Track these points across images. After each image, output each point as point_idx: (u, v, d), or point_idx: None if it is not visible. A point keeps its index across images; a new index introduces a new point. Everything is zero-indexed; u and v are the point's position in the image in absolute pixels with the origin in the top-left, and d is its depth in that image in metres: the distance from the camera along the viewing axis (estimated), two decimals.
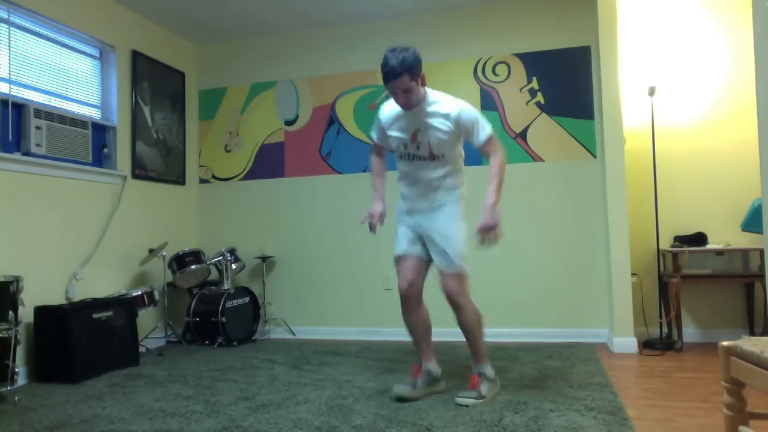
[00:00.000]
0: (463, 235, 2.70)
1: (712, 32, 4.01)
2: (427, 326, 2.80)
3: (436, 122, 2.62)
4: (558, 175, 4.17)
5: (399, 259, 2.76)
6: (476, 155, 4.30)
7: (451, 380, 2.97)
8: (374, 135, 2.89)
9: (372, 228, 2.76)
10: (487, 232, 2.58)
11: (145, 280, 4.30)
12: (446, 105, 2.63)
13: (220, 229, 4.88)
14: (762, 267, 3.72)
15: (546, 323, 4.13)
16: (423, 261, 2.75)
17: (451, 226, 2.68)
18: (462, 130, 2.64)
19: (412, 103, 2.60)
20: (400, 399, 2.63)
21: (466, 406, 2.54)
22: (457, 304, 2.67)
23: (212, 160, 4.94)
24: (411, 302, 2.73)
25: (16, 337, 2.77)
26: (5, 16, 3.30)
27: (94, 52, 4.03)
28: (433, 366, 2.77)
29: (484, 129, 2.63)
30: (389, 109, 2.77)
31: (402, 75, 2.48)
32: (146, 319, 4.20)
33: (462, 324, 2.70)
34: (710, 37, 4.02)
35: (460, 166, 2.78)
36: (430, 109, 2.63)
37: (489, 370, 2.72)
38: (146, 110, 4.39)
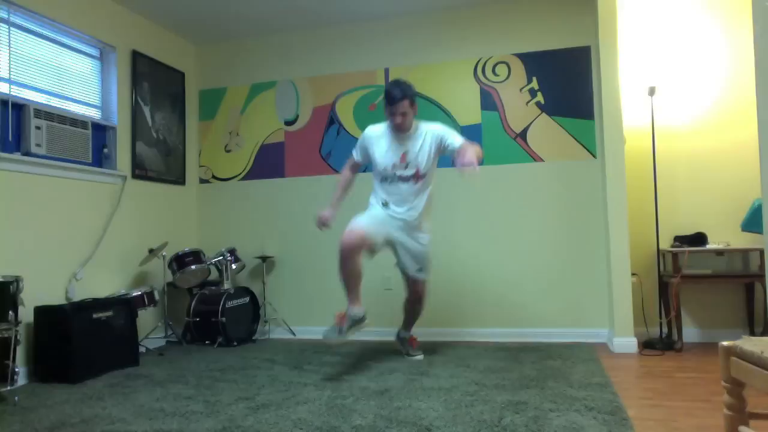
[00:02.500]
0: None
1: (712, 32, 4.01)
2: (360, 273, 3.19)
3: (424, 144, 3.17)
4: (558, 175, 4.17)
5: (349, 231, 3.05)
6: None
7: (452, 379, 2.98)
8: (357, 153, 3.40)
9: (323, 226, 3.32)
10: (469, 166, 2.79)
11: (145, 280, 4.30)
12: (425, 128, 3.21)
13: (220, 229, 4.88)
14: (762, 267, 3.72)
15: (546, 323, 4.13)
16: (376, 243, 3.19)
17: (426, 246, 3.34)
18: (442, 144, 3.17)
19: (405, 127, 3.15)
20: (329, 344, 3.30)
21: (419, 359, 3.43)
22: (420, 301, 3.48)
23: (212, 160, 4.94)
24: (356, 251, 3.07)
25: (16, 337, 2.77)
26: (5, 16, 3.30)
27: (94, 52, 4.03)
28: (357, 309, 3.19)
29: (457, 136, 3.18)
30: (376, 131, 3.29)
31: (404, 99, 3.09)
32: (146, 319, 4.20)
33: (415, 311, 3.54)
34: (710, 37, 4.02)
35: (431, 183, 3.31)
36: (416, 133, 3.19)
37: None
38: (146, 110, 4.39)
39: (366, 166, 3.54)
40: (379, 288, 4.45)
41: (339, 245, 3.06)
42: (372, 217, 3.22)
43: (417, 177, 3.18)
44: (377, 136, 3.26)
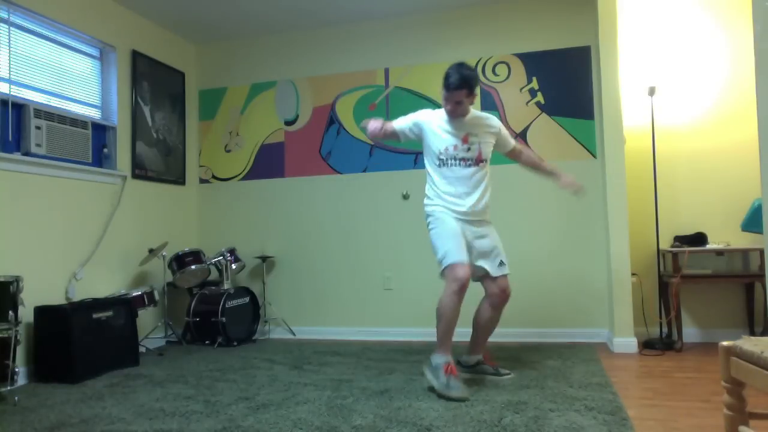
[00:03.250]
0: None
1: (712, 32, 4.01)
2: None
3: (486, 129, 3.01)
4: None
5: (457, 265, 2.78)
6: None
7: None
8: (405, 125, 3.05)
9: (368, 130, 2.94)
10: (574, 185, 3.07)
11: (145, 280, 4.30)
12: (490, 119, 3.07)
13: (220, 229, 4.88)
14: (762, 267, 3.72)
15: (546, 323, 4.13)
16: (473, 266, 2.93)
17: (498, 238, 3.03)
18: (499, 137, 3.07)
19: (457, 114, 2.94)
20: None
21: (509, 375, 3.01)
22: (506, 302, 3.00)
23: (212, 160, 4.94)
24: (463, 294, 2.79)
25: (16, 337, 2.77)
26: (5, 16, 3.30)
27: (94, 52, 4.03)
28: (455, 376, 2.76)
29: (511, 137, 3.17)
30: (434, 113, 3.04)
31: (461, 89, 2.83)
32: (146, 319, 4.20)
33: (495, 320, 3.03)
34: (710, 37, 4.02)
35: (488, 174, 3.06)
36: (476, 118, 3.01)
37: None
38: (146, 110, 4.39)
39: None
40: (379, 288, 4.46)
41: (453, 283, 2.74)
42: (454, 236, 2.85)
43: (479, 161, 2.94)
44: (437, 117, 3.00)
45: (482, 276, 2.98)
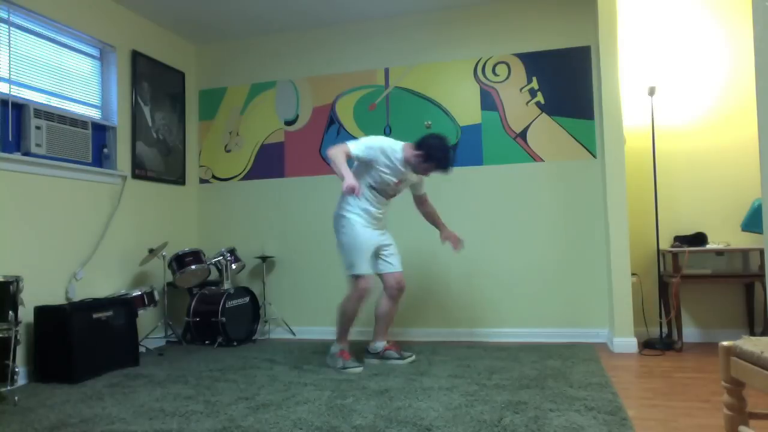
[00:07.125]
0: None
1: (712, 32, 4.01)
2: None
3: (415, 175, 3.43)
4: (558, 175, 4.17)
5: (365, 276, 3.28)
6: (477, 155, 4.30)
7: (452, 379, 2.98)
8: (361, 150, 3.26)
9: (356, 194, 3.13)
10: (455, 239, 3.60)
11: (145, 280, 4.30)
12: None
13: (220, 229, 4.88)
14: (762, 267, 3.72)
15: (546, 323, 4.13)
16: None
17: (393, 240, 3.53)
18: (418, 183, 3.57)
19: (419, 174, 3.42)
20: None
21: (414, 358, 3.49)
22: (403, 291, 3.49)
23: (212, 160, 4.94)
24: (365, 301, 3.36)
25: (16, 337, 2.77)
26: (5, 16, 3.30)
27: (94, 52, 4.03)
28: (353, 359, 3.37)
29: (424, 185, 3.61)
30: (394, 147, 3.30)
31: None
32: (146, 319, 4.20)
33: (395, 309, 3.54)
34: (710, 37, 4.02)
35: None
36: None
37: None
38: (146, 110, 4.39)
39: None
40: (379, 288, 4.45)
41: (359, 292, 3.28)
42: (366, 248, 3.31)
43: (394, 195, 3.47)
44: (388, 155, 3.28)
45: (382, 272, 3.44)
